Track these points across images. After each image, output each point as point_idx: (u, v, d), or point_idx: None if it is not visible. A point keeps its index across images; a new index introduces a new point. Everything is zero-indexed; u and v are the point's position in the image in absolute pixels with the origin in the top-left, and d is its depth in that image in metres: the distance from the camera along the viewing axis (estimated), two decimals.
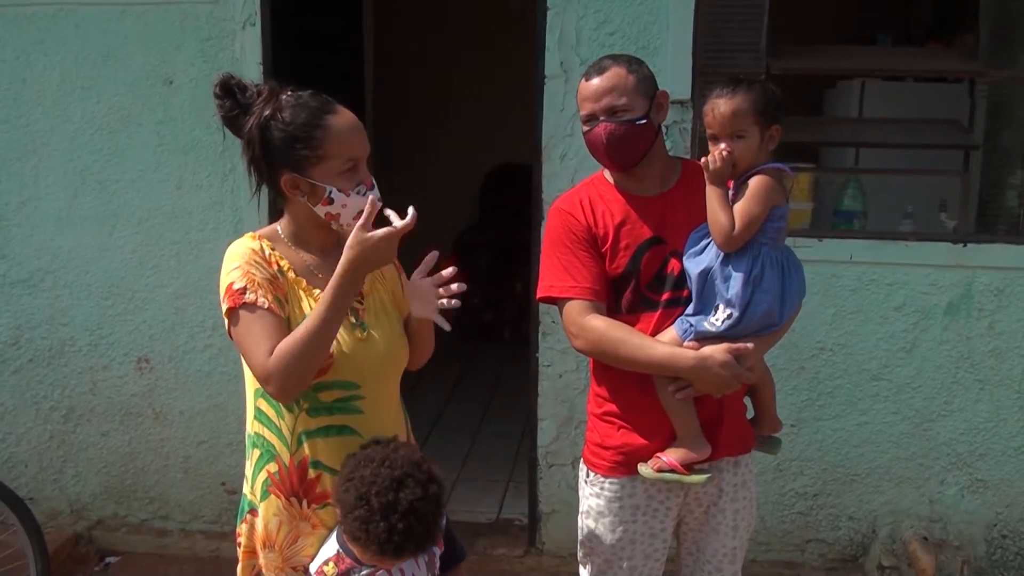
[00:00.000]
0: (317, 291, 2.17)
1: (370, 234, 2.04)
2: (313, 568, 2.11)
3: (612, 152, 2.46)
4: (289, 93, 2.17)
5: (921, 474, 4.09)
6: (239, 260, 2.15)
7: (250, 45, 4.11)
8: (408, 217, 2.08)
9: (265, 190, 2.18)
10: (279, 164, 2.14)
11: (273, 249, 2.20)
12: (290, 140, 2.12)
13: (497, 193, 8.18)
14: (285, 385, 2.05)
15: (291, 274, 2.18)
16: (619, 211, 2.52)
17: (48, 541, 3.68)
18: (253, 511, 2.26)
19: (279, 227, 2.26)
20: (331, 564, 2.09)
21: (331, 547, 2.11)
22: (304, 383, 2.08)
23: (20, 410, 4.50)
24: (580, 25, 3.94)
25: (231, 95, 2.19)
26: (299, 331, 2.04)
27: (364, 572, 2.07)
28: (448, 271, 2.25)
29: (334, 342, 2.14)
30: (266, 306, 2.09)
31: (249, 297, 2.09)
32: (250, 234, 2.24)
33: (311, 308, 2.13)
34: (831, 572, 4.17)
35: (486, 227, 8.16)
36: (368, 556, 2.02)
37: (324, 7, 5.01)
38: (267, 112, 2.13)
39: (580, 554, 2.74)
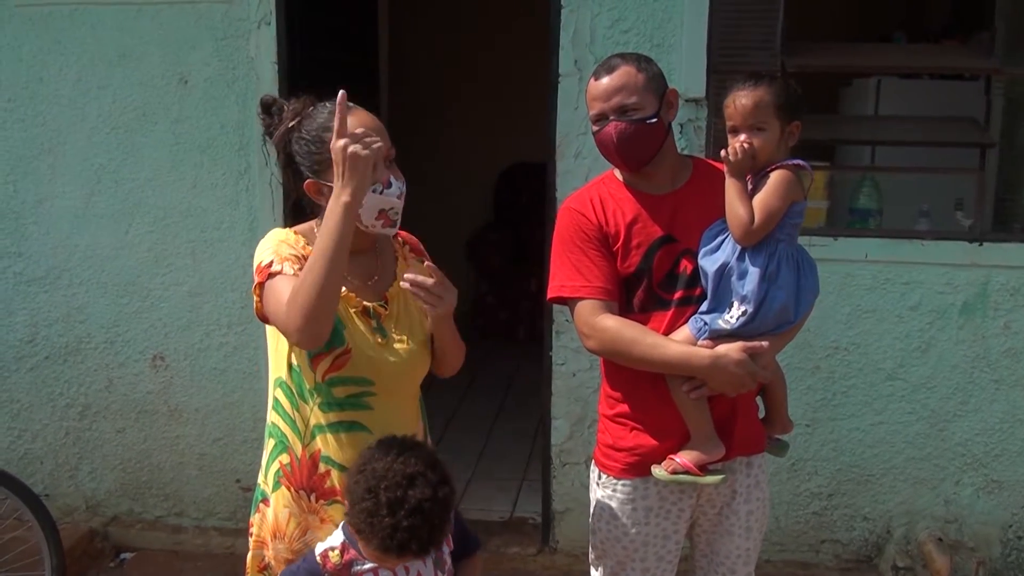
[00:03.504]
0: (343, 289, 2.19)
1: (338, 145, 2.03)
2: (318, 550, 2.11)
3: (623, 151, 2.45)
4: (313, 104, 2.24)
5: (936, 474, 4.07)
6: (271, 242, 2.22)
7: (265, 44, 4.12)
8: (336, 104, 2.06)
9: (281, 191, 2.20)
10: (301, 172, 2.22)
11: (307, 245, 2.23)
12: (306, 147, 2.20)
13: (511, 192, 8.19)
14: (301, 327, 2.03)
15: None
16: (630, 210, 2.51)
17: (63, 537, 3.71)
18: (265, 500, 2.28)
19: (315, 226, 2.29)
20: (336, 551, 2.09)
21: (338, 536, 2.12)
22: (320, 322, 2.04)
23: (36, 407, 4.53)
24: (594, 23, 3.94)
25: (270, 113, 2.29)
26: (305, 267, 2.06)
27: (367, 566, 2.07)
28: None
29: (352, 339, 2.17)
30: (292, 272, 2.12)
31: (275, 268, 2.14)
32: (288, 229, 2.29)
33: None
34: (845, 573, 4.15)
35: (500, 226, 8.16)
36: (370, 551, 2.01)
37: (339, 6, 5.02)
38: (291, 124, 2.22)
39: (592, 556, 2.74)
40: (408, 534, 1.94)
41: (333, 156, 2.03)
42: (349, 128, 2.07)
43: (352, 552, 2.07)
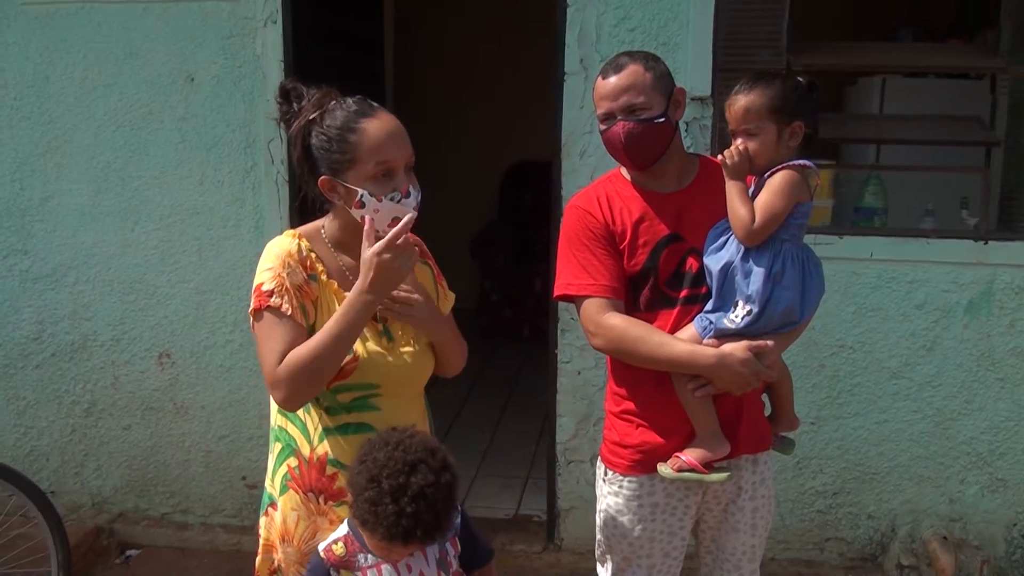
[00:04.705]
0: (347, 295, 2.19)
1: (373, 250, 2.04)
2: (322, 547, 2.12)
3: (630, 151, 2.45)
4: (336, 99, 2.21)
5: (941, 473, 4.07)
6: (274, 261, 2.18)
7: (271, 42, 4.13)
8: (401, 222, 2.06)
9: (287, 189, 2.18)
10: (318, 166, 2.19)
11: (311, 250, 2.22)
12: (326, 143, 2.16)
13: (516, 190, 8.20)
14: (289, 394, 2.09)
15: (324, 276, 2.20)
16: (637, 208, 2.51)
17: (69, 534, 3.71)
18: (273, 504, 2.27)
19: (323, 226, 2.28)
20: (340, 544, 2.09)
21: (342, 529, 2.13)
22: (309, 394, 2.12)
23: (42, 404, 4.54)
24: (600, 22, 3.94)
25: (288, 100, 2.25)
26: (310, 343, 2.07)
27: (370, 558, 2.07)
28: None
29: (359, 347, 2.17)
30: (288, 312, 2.11)
31: (274, 301, 2.12)
32: (291, 232, 2.27)
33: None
34: (850, 571, 4.16)
35: (505, 224, 8.17)
36: (376, 541, 2.00)
37: (345, 5, 5.03)
38: (311, 116, 2.19)
39: (598, 552, 2.75)
40: (412, 520, 1.93)
41: (373, 263, 2.03)
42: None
43: (357, 544, 2.08)
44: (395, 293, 2.16)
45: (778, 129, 2.40)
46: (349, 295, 2.07)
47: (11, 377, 4.54)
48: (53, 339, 4.48)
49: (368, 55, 5.55)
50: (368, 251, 2.05)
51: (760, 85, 2.40)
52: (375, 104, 2.21)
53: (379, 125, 2.15)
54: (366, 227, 2.06)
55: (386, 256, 2.03)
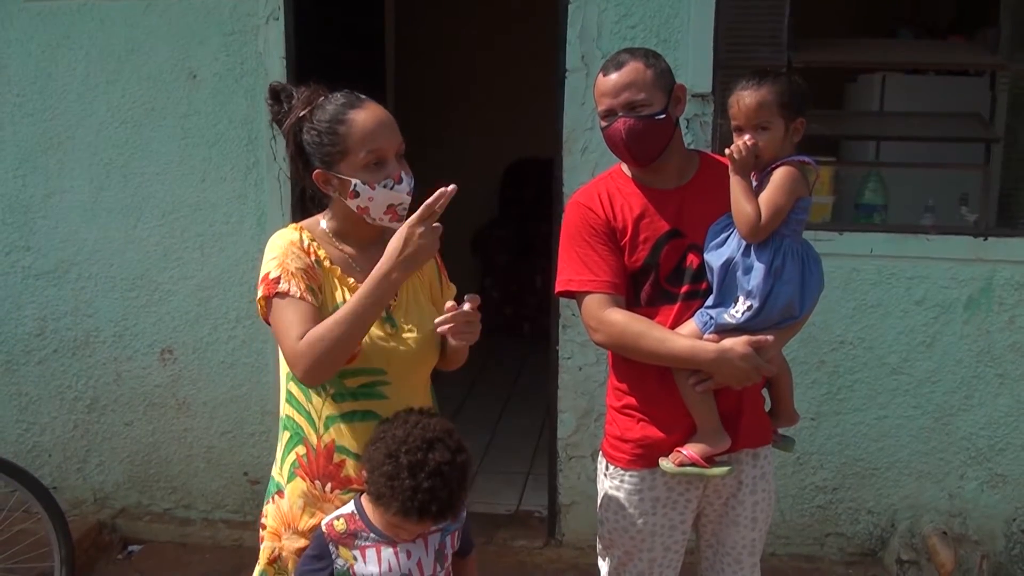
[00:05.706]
0: (352, 280, 2.22)
1: (409, 221, 2.08)
2: (324, 521, 2.15)
3: (631, 147, 2.46)
4: (324, 95, 2.24)
5: (941, 468, 4.08)
6: (278, 251, 2.21)
7: (273, 39, 4.14)
8: (436, 194, 2.09)
9: (289, 185, 2.20)
10: (311, 161, 2.23)
11: (313, 240, 2.26)
12: (317, 137, 2.20)
13: (517, 187, 8.19)
14: (311, 369, 2.09)
15: (327, 263, 2.23)
16: (637, 204, 2.52)
17: (72, 529, 3.73)
18: (280, 492, 2.29)
19: (322, 220, 2.31)
20: (342, 520, 2.13)
21: (347, 508, 2.16)
22: (331, 370, 2.13)
23: (45, 400, 4.56)
24: (601, 18, 3.95)
25: (279, 100, 2.29)
26: (332, 319, 2.09)
27: (371, 539, 2.10)
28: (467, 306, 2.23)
29: None
30: (298, 295, 2.14)
31: (282, 287, 2.15)
32: (293, 225, 2.31)
33: (344, 297, 2.19)
34: (850, 566, 4.17)
35: (506, 221, 8.17)
36: (389, 516, 2.03)
37: (347, 1, 5.04)
38: (302, 113, 2.22)
39: (600, 547, 2.76)
40: (429, 496, 1.97)
41: (406, 235, 2.07)
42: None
43: (359, 524, 2.11)
44: (459, 308, 2.19)
45: (786, 124, 2.42)
46: (373, 272, 2.10)
47: (14, 373, 4.55)
48: (55, 335, 4.49)
49: (369, 51, 5.56)
50: (404, 224, 2.09)
51: (769, 81, 2.42)
52: (362, 96, 2.25)
53: (367, 115, 2.19)
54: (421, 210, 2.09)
55: (419, 229, 2.07)
